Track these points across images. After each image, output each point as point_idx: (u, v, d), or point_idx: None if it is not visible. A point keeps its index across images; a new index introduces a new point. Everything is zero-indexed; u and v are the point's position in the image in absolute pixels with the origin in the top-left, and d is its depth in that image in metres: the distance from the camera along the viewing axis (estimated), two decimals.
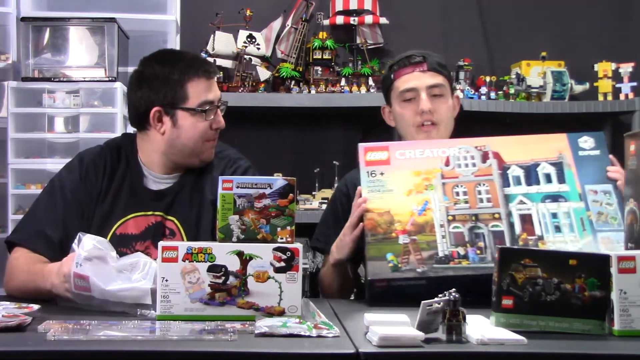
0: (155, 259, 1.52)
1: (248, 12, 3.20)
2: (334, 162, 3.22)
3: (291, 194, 1.50)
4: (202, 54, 3.07)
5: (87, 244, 1.54)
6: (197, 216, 1.92)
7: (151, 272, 1.51)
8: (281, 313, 1.46)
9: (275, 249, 1.46)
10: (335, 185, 3.18)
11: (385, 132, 3.39)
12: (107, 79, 2.98)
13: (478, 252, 1.70)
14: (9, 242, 1.89)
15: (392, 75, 2.14)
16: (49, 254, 1.81)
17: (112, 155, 1.96)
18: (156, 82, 1.88)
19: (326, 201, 3.06)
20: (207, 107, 1.88)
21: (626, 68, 3.22)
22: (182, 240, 1.89)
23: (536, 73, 3.24)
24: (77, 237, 1.58)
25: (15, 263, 1.82)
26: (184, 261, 1.44)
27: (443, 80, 2.12)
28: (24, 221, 1.91)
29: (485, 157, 1.83)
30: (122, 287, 1.51)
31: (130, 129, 3.01)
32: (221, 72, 3.09)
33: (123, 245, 1.87)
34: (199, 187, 1.95)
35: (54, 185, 1.94)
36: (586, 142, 1.83)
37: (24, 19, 3.00)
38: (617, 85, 3.22)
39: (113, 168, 1.95)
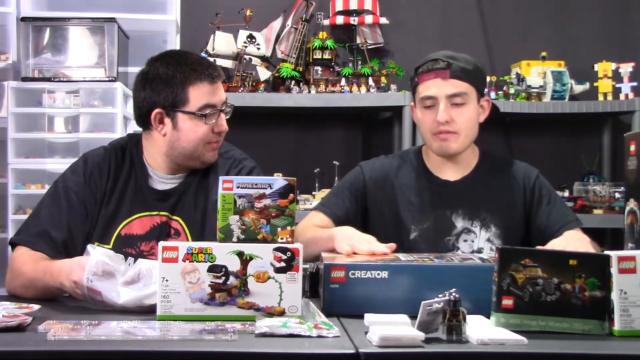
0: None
1: (248, 12, 3.20)
2: (334, 162, 3.22)
3: (291, 194, 1.50)
4: (202, 54, 3.07)
5: (95, 258, 1.54)
6: (202, 216, 1.92)
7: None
8: (281, 313, 1.46)
9: (276, 249, 1.46)
10: (335, 183, 3.19)
11: (385, 133, 3.41)
12: (107, 79, 2.98)
13: (445, 261, 1.64)
14: (12, 243, 1.89)
15: (416, 78, 2.10)
16: (52, 255, 1.80)
17: (116, 156, 1.97)
18: (159, 83, 1.88)
19: None
20: (207, 111, 1.87)
21: (626, 68, 3.22)
22: (187, 240, 1.89)
23: (536, 73, 3.24)
24: (86, 250, 1.59)
25: (20, 260, 1.81)
26: (184, 261, 1.44)
27: (467, 87, 2.05)
28: (28, 222, 1.90)
29: None
30: (135, 298, 1.51)
31: (131, 129, 3.04)
32: None
33: (128, 245, 1.88)
34: (204, 187, 1.95)
35: (58, 186, 1.94)
36: None
37: (24, 19, 3.01)
38: (617, 85, 3.22)
39: (117, 169, 1.95)
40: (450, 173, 2.14)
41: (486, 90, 3.14)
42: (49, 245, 1.83)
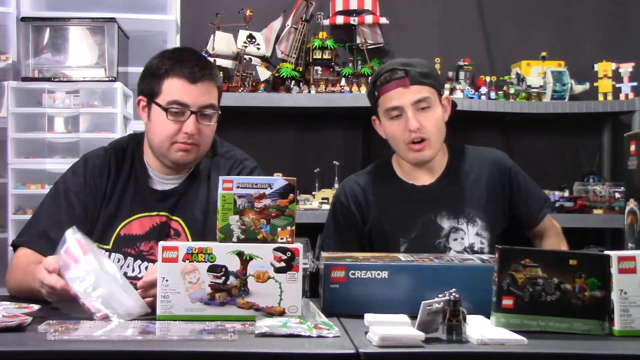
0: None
1: (248, 12, 3.20)
2: (334, 162, 3.22)
3: (291, 194, 1.50)
4: (202, 54, 3.07)
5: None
6: (203, 217, 1.92)
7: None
8: (281, 313, 1.46)
9: (276, 249, 1.46)
10: (335, 185, 3.19)
11: None
12: (107, 79, 2.98)
13: (445, 261, 1.64)
14: (13, 244, 1.90)
15: (375, 92, 2.10)
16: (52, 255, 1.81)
17: (116, 157, 1.97)
18: (147, 72, 1.92)
19: (326, 201, 3.06)
20: (174, 108, 1.85)
21: (626, 68, 3.21)
22: (187, 240, 1.89)
23: (536, 73, 3.24)
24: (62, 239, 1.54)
25: (15, 262, 1.84)
26: (184, 261, 1.44)
27: (428, 90, 2.05)
28: (29, 223, 1.92)
29: None
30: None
31: (131, 129, 3.04)
32: (221, 72, 3.08)
33: (127, 245, 1.88)
34: (204, 187, 1.95)
35: (58, 187, 1.95)
36: None
37: (24, 19, 3.01)
38: (617, 85, 3.22)
39: (118, 170, 1.95)
40: (425, 177, 2.14)
41: (485, 90, 3.17)
42: (49, 246, 1.83)
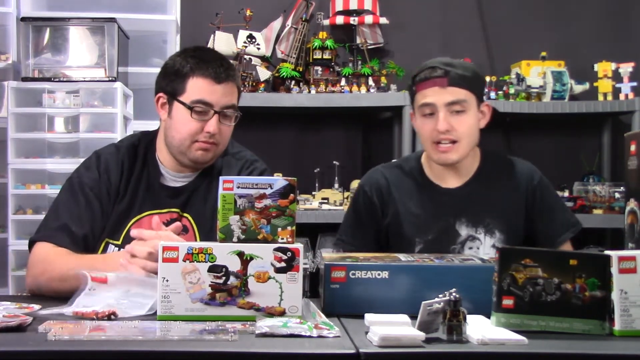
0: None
1: (248, 12, 3.20)
2: (334, 162, 3.22)
3: (292, 194, 1.50)
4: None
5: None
6: (212, 214, 1.92)
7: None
8: (282, 313, 1.45)
9: (276, 249, 1.46)
10: (335, 185, 3.19)
11: (385, 133, 3.41)
12: (107, 79, 2.99)
13: (445, 261, 1.63)
14: (32, 241, 1.86)
15: (414, 87, 2.07)
16: (73, 250, 1.81)
17: (129, 154, 1.98)
18: (169, 70, 1.92)
19: (326, 201, 3.06)
20: (199, 107, 1.87)
21: (626, 68, 3.22)
22: (195, 237, 1.90)
23: (536, 73, 3.24)
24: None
25: (32, 258, 1.81)
26: (185, 261, 1.44)
27: (466, 94, 2.01)
28: (46, 220, 1.90)
29: None
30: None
31: (131, 129, 3.04)
32: None
33: None
34: (215, 185, 1.95)
35: (73, 182, 1.94)
36: None
37: (24, 19, 3.01)
38: (617, 85, 3.22)
39: (130, 167, 1.96)
40: (452, 180, 2.12)
41: (486, 90, 3.17)
42: (71, 240, 1.82)
